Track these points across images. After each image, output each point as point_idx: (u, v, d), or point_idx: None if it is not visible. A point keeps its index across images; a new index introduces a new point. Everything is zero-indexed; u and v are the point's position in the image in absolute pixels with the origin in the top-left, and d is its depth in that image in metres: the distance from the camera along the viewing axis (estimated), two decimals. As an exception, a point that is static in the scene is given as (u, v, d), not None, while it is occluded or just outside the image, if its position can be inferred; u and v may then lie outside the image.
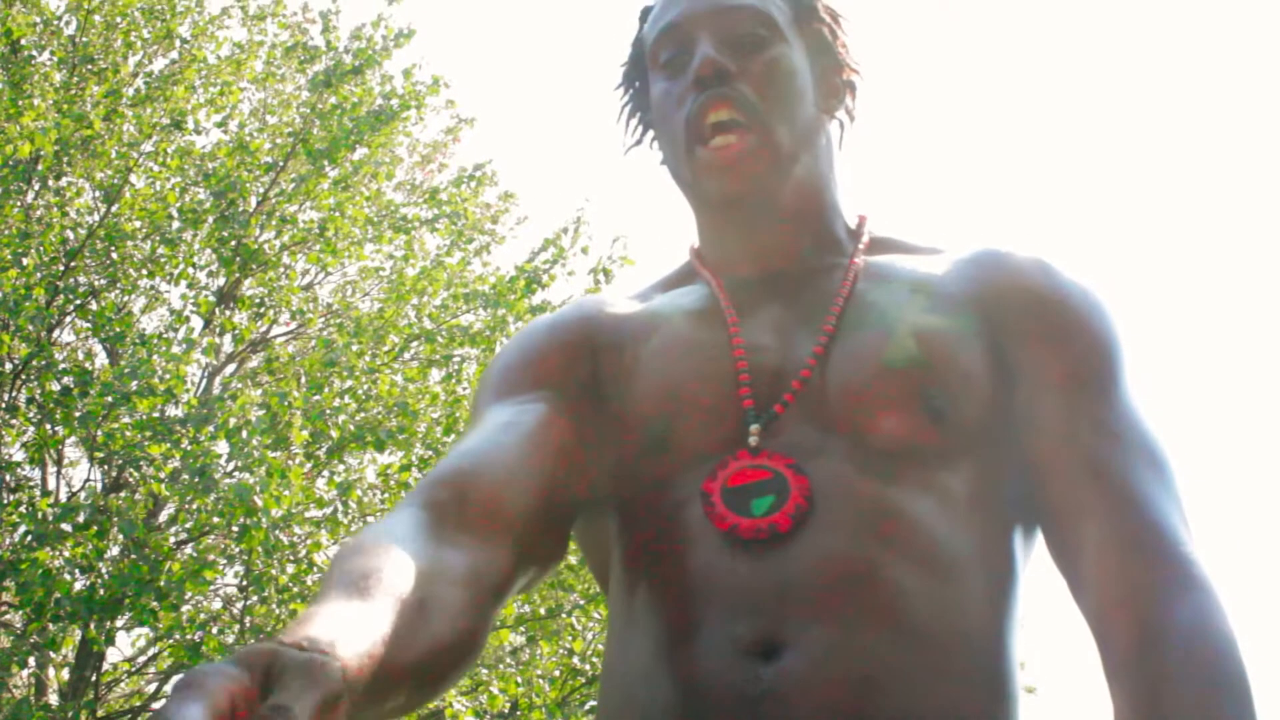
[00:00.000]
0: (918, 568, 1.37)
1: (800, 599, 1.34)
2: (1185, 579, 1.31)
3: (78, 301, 9.35)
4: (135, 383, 8.09)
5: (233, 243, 9.66)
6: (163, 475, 8.23)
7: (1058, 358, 1.49)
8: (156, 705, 9.34)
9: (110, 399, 8.12)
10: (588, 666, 8.72)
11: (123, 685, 10.50)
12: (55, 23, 10.30)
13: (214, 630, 8.14)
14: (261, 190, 10.13)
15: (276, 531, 7.59)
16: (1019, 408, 1.48)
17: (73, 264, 9.17)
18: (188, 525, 8.42)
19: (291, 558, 7.98)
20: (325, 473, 9.19)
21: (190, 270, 9.83)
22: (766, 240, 1.63)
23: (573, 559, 8.02)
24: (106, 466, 9.13)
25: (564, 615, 8.87)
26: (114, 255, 9.54)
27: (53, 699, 9.09)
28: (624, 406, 1.54)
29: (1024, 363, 1.49)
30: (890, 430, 1.44)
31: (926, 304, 1.53)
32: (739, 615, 1.35)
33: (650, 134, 1.73)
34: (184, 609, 7.86)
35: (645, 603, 1.44)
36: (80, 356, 10.01)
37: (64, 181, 10.00)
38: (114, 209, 9.57)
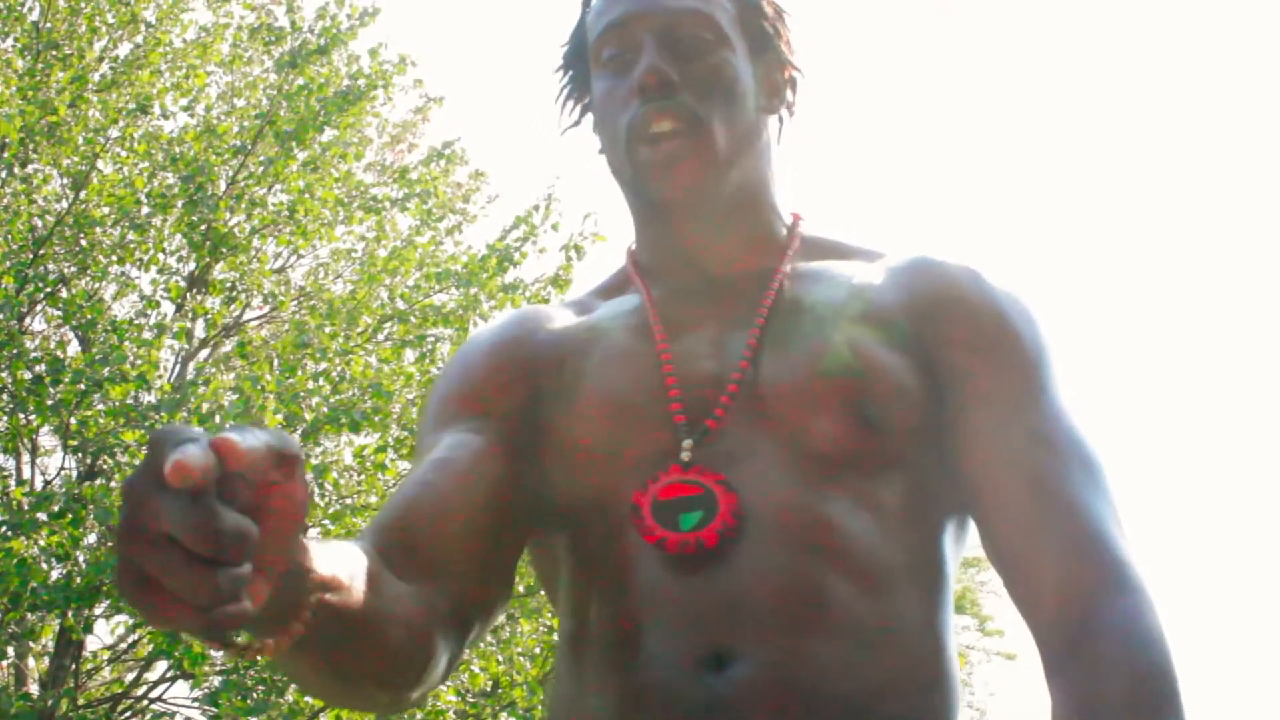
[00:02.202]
0: (853, 579, 1.39)
1: (746, 611, 1.37)
2: (1118, 580, 1.34)
3: (48, 289, 9.30)
4: (107, 369, 8.06)
5: (202, 227, 9.62)
6: (137, 462, 8.21)
7: (989, 366, 1.51)
8: (137, 693, 9.33)
9: (83, 386, 8.09)
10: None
11: (103, 673, 10.48)
12: (18, 8, 10.22)
13: (193, 616, 8.12)
14: (230, 173, 10.09)
15: (253, 515, 7.57)
16: (951, 416, 1.49)
17: (42, 251, 9.12)
18: (164, 511, 8.40)
19: (269, 541, 7.97)
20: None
21: (160, 256, 9.79)
22: (701, 244, 1.64)
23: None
24: (81, 454, 9.09)
25: (543, 593, 8.88)
26: (83, 242, 9.50)
27: (33, 688, 9.08)
28: (563, 424, 1.54)
29: (956, 371, 1.51)
30: (825, 434, 1.45)
31: (860, 312, 1.54)
32: (686, 627, 1.38)
33: (587, 118, 1.73)
34: (162, 595, 7.84)
35: (593, 615, 1.46)
36: (52, 344, 9.95)
37: (31, 169, 9.94)
38: (82, 195, 9.52)
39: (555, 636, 8.53)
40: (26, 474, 9.83)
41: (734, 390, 1.50)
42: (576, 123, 1.75)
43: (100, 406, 8.33)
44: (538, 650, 8.68)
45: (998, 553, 1.44)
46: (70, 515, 7.65)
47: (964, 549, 1.55)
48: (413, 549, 1.38)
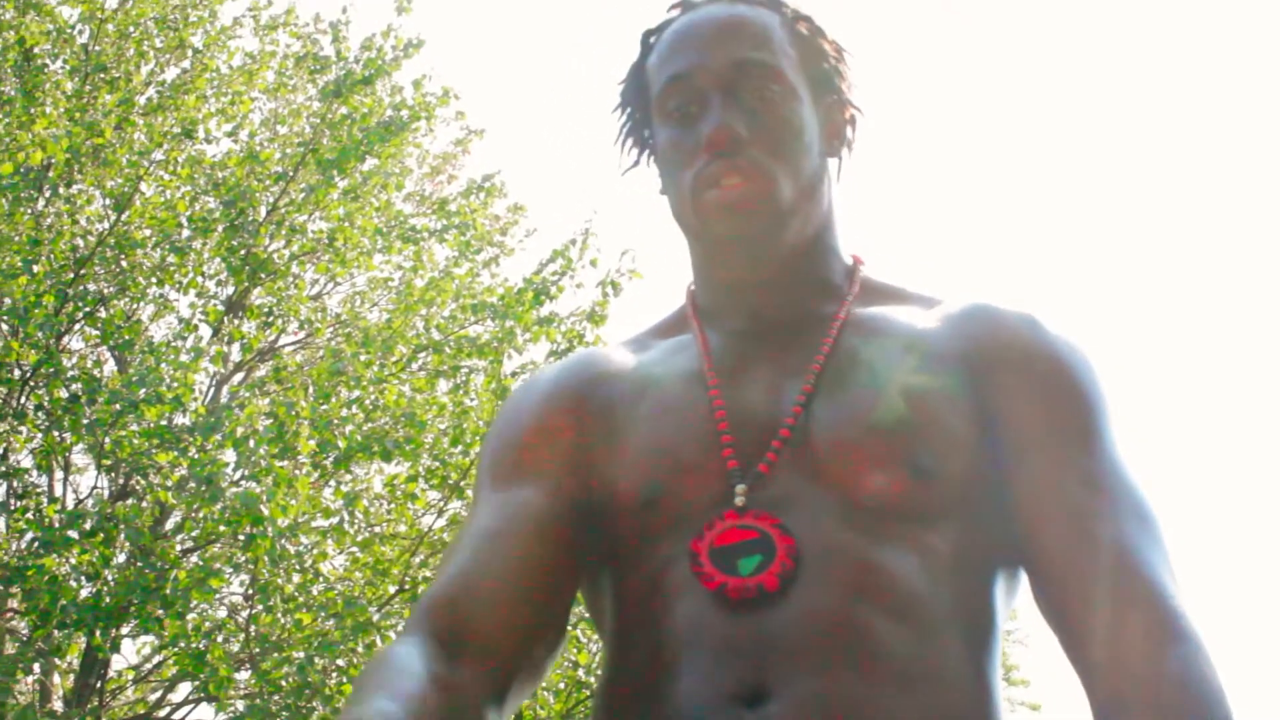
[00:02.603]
0: (899, 622, 1.40)
1: (785, 650, 1.38)
2: (1173, 631, 1.34)
3: (87, 309, 9.36)
4: (143, 390, 8.09)
5: (242, 252, 9.67)
6: (169, 483, 8.25)
7: (1045, 413, 1.51)
8: (160, 714, 9.35)
9: (118, 406, 8.12)
10: (592, 679, 8.72)
11: (127, 693, 10.50)
12: (68, 31, 10.32)
13: (219, 639, 8.14)
14: (271, 200, 10.14)
15: (283, 541, 7.60)
16: (1006, 462, 1.50)
17: (82, 271, 9.18)
18: (194, 533, 8.43)
19: (297, 567, 7.99)
20: (332, 482, 9.20)
21: (199, 279, 9.85)
22: (760, 288, 1.65)
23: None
24: (114, 474, 9.14)
25: (569, 628, 8.86)
26: (123, 263, 9.56)
27: (57, 705, 9.10)
28: (612, 469, 1.56)
29: (1011, 418, 1.52)
30: (877, 488, 1.46)
31: (916, 363, 1.55)
32: (725, 664, 1.39)
33: (646, 156, 1.74)
34: (189, 617, 7.87)
35: (636, 647, 1.48)
36: (89, 364, 10.01)
37: (75, 189, 10.02)
38: (124, 217, 9.58)
39: (579, 672, 8.54)
40: (59, 492, 9.88)
41: (786, 436, 1.51)
42: (636, 163, 1.76)
43: (135, 427, 8.36)
44: (562, 685, 8.66)
45: (1048, 600, 1.44)
46: (101, 534, 7.68)
47: (1015, 600, 1.55)
48: (463, 637, 1.42)
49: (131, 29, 10.47)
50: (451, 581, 1.48)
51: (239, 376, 10.96)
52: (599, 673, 1.56)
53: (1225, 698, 1.29)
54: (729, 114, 1.58)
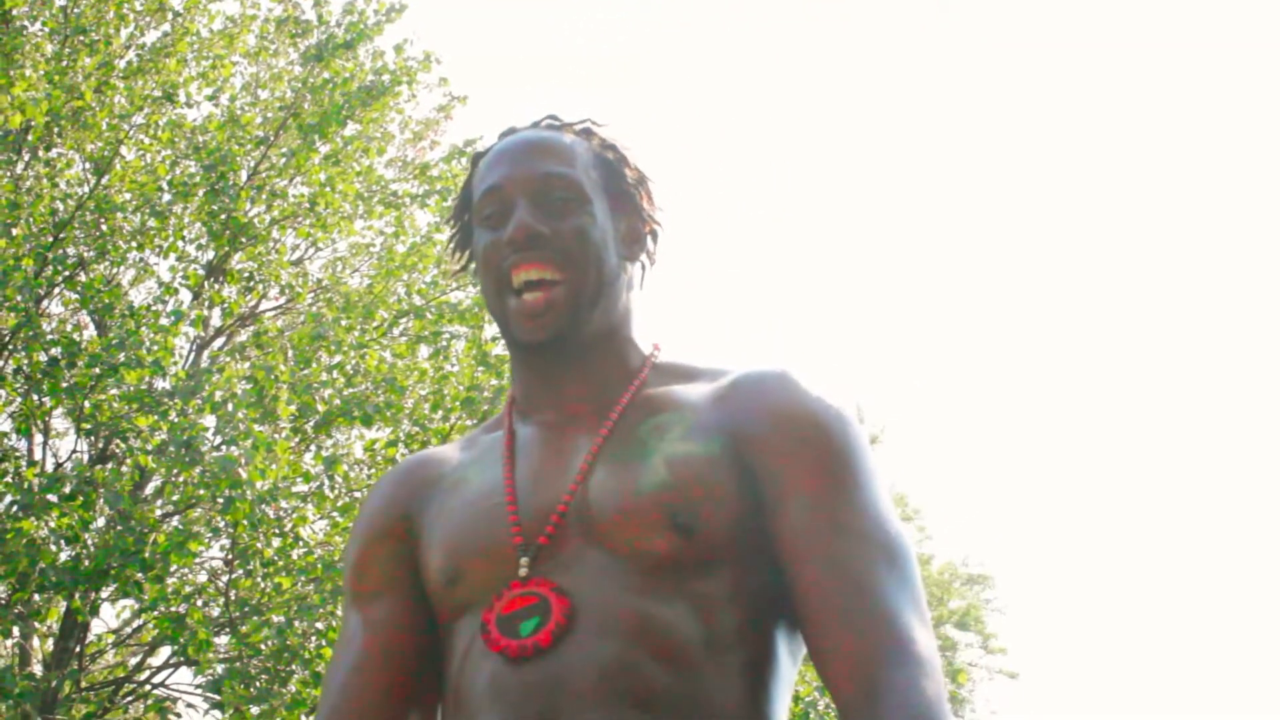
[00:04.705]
0: (667, 662, 1.58)
1: (571, 694, 1.57)
2: (901, 654, 1.53)
3: (66, 273, 9.34)
4: (123, 354, 8.08)
5: (223, 216, 9.65)
6: (149, 447, 8.24)
7: (800, 466, 1.68)
8: (140, 677, 9.37)
9: (98, 370, 8.12)
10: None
11: (107, 656, 10.52)
12: (47, -7, 10.28)
13: (199, 603, 8.16)
14: (252, 164, 10.12)
15: (262, 505, 7.61)
16: (769, 514, 1.67)
17: (62, 235, 9.16)
18: (174, 498, 8.44)
19: (277, 531, 8.00)
20: (312, 447, 9.20)
21: (180, 243, 9.83)
22: (562, 382, 1.86)
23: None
24: (93, 438, 9.13)
25: None
26: (103, 227, 9.54)
27: (36, 669, 9.12)
28: (427, 557, 1.79)
29: (771, 473, 1.69)
30: (646, 546, 1.64)
31: (681, 432, 1.74)
32: (523, 705, 1.59)
33: (473, 264, 1.95)
34: (169, 581, 7.88)
35: (456, 702, 1.69)
36: (68, 328, 10.00)
37: (54, 153, 9.99)
38: (104, 181, 9.56)
39: None
40: (38, 455, 9.87)
41: (563, 510, 1.71)
42: (463, 268, 2.02)
43: (114, 391, 8.36)
44: None
45: (806, 634, 1.61)
46: (81, 498, 7.68)
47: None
48: None
49: (111, -9, 10.41)
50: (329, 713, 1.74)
51: (219, 341, 10.95)
52: None
53: (945, 711, 1.50)
54: (531, 215, 1.81)
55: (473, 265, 1.96)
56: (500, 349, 9.61)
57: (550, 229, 1.80)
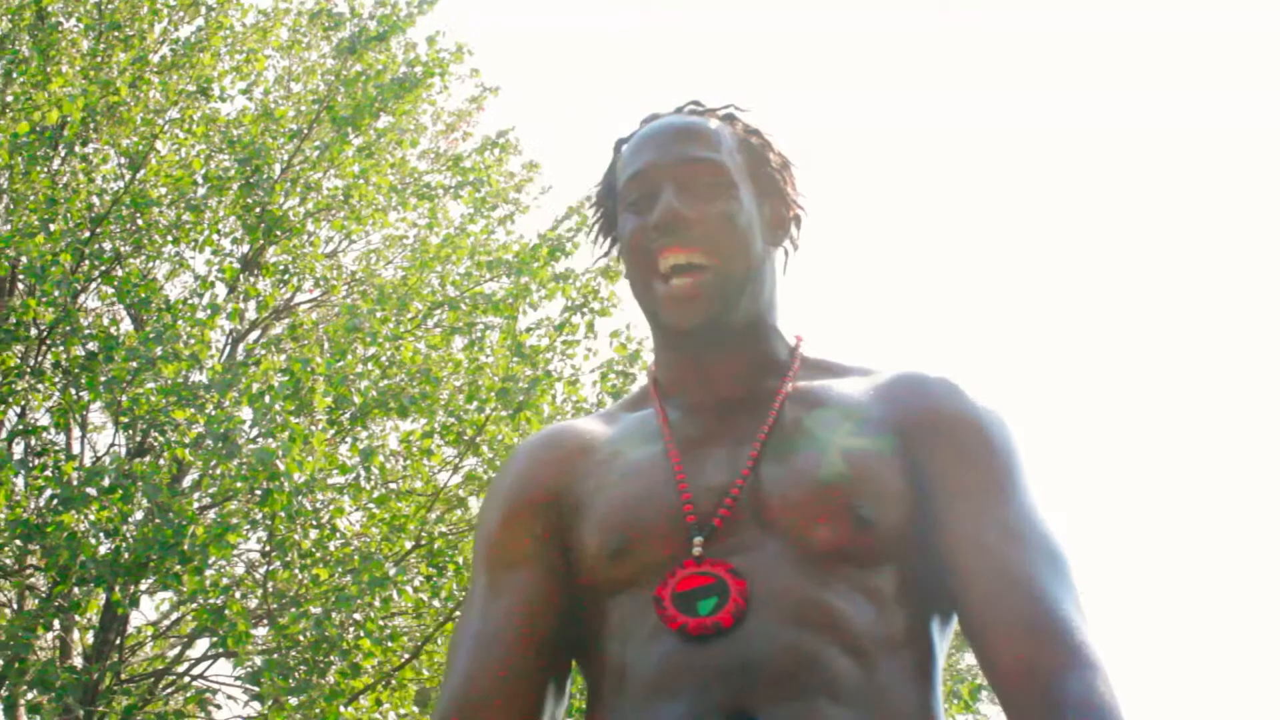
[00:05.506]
0: (849, 652, 1.59)
1: (761, 676, 1.56)
2: (1077, 658, 1.53)
3: (103, 267, 9.39)
4: (160, 348, 8.12)
5: (257, 209, 9.68)
6: (186, 440, 8.28)
7: (966, 471, 1.72)
8: (179, 669, 9.42)
9: (135, 364, 8.16)
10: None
11: (146, 649, 10.58)
12: (82, -11, 10.32)
13: (237, 595, 8.19)
14: (286, 157, 10.15)
15: (299, 497, 7.63)
16: (934, 514, 1.70)
17: (98, 230, 9.20)
18: (211, 490, 8.47)
19: (314, 523, 8.03)
20: (348, 439, 9.23)
21: (215, 237, 9.86)
22: (711, 367, 1.88)
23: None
24: (131, 431, 9.17)
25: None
26: (139, 221, 9.57)
27: (77, 661, 9.17)
28: (584, 531, 1.77)
29: (937, 476, 1.73)
30: (824, 536, 1.66)
31: (853, 428, 1.77)
32: (713, 686, 1.57)
33: (615, 246, 2.00)
34: (207, 573, 7.91)
35: (619, 683, 1.68)
36: (105, 322, 10.05)
37: (90, 148, 10.03)
38: (139, 175, 9.59)
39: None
40: (77, 449, 9.92)
41: (736, 493, 1.72)
42: (607, 254, 2.04)
43: (151, 384, 8.39)
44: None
45: (971, 632, 1.63)
46: (119, 491, 7.71)
47: (950, 632, 1.75)
48: None
49: (145, -14, 10.45)
50: (463, 692, 1.70)
51: (255, 334, 10.99)
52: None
53: (1121, 712, 1.49)
54: (678, 200, 1.82)
55: (616, 251, 1.99)
56: (535, 339, 9.62)
57: (696, 213, 1.82)
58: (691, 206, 1.82)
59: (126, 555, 7.56)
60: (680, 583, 1.65)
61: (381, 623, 7.86)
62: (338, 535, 8.09)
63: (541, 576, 1.77)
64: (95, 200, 9.50)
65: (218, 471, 8.02)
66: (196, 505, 8.53)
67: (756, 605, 1.61)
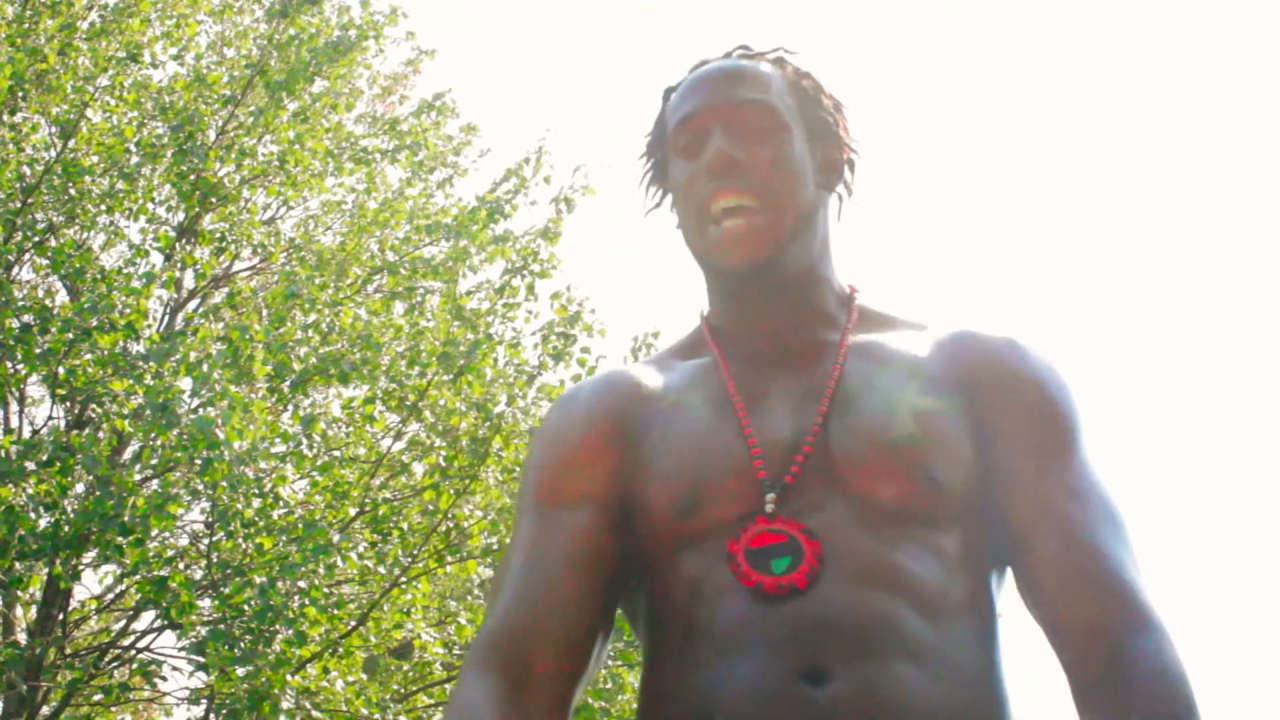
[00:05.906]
0: (921, 612, 1.59)
1: (835, 637, 1.56)
2: (1144, 620, 1.55)
3: (36, 238, 9.28)
4: (96, 319, 8.04)
5: (192, 177, 9.58)
6: (125, 411, 8.21)
7: (1031, 431, 1.73)
8: (124, 643, 9.36)
9: (71, 335, 8.08)
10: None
11: (91, 622, 10.51)
12: (6, -45, 10.16)
13: (181, 566, 8.14)
14: (220, 124, 10.05)
15: (241, 466, 7.58)
16: (997, 472, 1.71)
17: (30, 200, 9.09)
18: (152, 461, 8.40)
19: (256, 492, 7.97)
20: (289, 406, 9.17)
21: (149, 205, 9.77)
22: (766, 313, 1.85)
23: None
24: (69, 403, 9.10)
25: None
26: (72, 191, 9.47)
27: (20, 637, 9.11)
28: (647, 484, 1.74)
29: (1002, 436, 1.73)
30: (895, 496, 1.65)
31: (920, 386, 1.75)
32: (781, 649, 1.57)
33: (667, 199, 1.95)
34: (150, 545, 7.85)
35: (685, 640, 1.66)
36: (40, 293, 9.94)
37: (19, 117, 9.90)
38: (71, 144, 9.48)
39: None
40: (14, 423, 9.83)
41: (808, 451, 1.70)
42: (658, 204, 1.98)
43: (88, 355, 8.32)
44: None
45: (1031, 592, 1.65)
46: (58, 464, 7.65)
47: (1003, 594, 1.75)
48: (526, 674, 1.61)
49: (72, -48, 10.30)
50: (509, 616, 1.66)
51: (193, 303, 10.90)
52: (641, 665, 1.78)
53: (1189, 680, 1.50)
54: (728, 143, 1.80)
55: (668, 199, 1.95)
56: (475, 303, 9.59)
57: (748, 156, 1.79)
58: (742, 149, 1.79)
59: (67, 528, 7.50)
60: (754, 539, 1.64)
61: (327, 590, 7.84)
62: (281, 504, 8.03)
63: (597, 519, 1.73)
64: (26, 170, 9.38)
65: (157, 442, 7.95)
66: (137, 476, 8.46)
67: (829, 565, 1.61)
